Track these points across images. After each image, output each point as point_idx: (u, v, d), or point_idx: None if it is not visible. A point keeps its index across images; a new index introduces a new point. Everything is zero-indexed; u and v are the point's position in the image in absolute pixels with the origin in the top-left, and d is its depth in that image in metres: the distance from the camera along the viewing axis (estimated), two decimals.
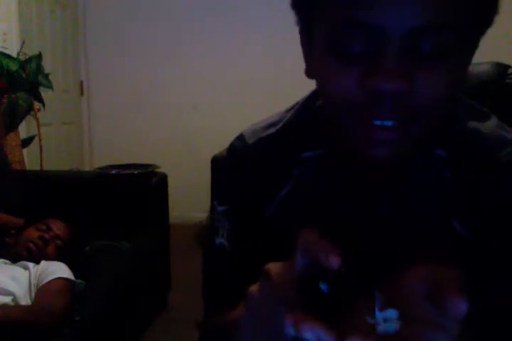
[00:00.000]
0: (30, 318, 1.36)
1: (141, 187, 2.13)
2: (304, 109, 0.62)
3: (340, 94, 0.46)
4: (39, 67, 2.56)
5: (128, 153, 3.48)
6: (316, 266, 0.33)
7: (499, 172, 0.53)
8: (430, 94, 0.44)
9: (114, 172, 2.20)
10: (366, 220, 0.56)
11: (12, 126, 2.48)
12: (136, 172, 2.19)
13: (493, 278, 0.51)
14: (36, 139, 2.74)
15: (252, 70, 3.69)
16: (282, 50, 3.39)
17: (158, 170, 2.24)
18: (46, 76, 2.62)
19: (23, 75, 2.49)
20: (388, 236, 0.55)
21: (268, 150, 0.62)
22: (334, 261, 0.32)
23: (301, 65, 0.56)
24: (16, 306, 1.43)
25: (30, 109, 2.54)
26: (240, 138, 0.65)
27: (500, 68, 0.91)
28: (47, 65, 2.80)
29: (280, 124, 0.63)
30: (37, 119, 2.68)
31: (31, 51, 2.73)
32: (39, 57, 2.58)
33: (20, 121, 2.53)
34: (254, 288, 0.37)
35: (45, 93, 2.71)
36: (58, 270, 1.56)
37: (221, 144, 0.98)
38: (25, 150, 2.71)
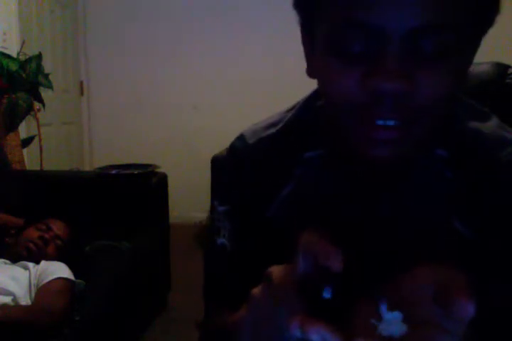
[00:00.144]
0: (30, 318, 1.36)
1: (141, 187, 2.13)
2: (305, 109, 0.62)
3: (341, 94, 0.46)
4: (39, 67, 2.56)
5: (128, 153, 3.48)
6: (317, 269, 0.33)
7: (499, 173, 0.53)
8: (430, 94, 0.44)
9: (114, 172, 2.20)
10: (367, 220, 0.56)
11: (12, 126, 2.48)
12: (136, 172, 2.19)
13: (494, 278, 0.51)
14: (36, 139, 2.74)
15: (252, 70, 3.69)
16: (282, 50, 3.39)
17: (158, 170, 2.24)
18: (46, 76, 2.62)
19: (23, 75, 2.49)
20: (389, 236, 0.55)
21: (269, 150, 0.62)
22: (337, 266, 0.32)
23: (302, 65, 0.56)
24: (16, 306, 1.43)
25: (30, 109, 2.54)
26: (241, 138, 0.65)
27: (500, 68, 0.91)
28: (47, 65, 2.80)
29: (281, 124, 0.63)
30: (37, 119, 2.68)
31: (31, 51, 2.73)
32: (39, 57, 2.58)
33: (20, 121, 2.53)
34: (256, 290, 0.37)
35: (45, 93, 2.71)
36: (58, 270, 1.56)
37: (221, 144, 0.98)
38: (25, 150, 2.71)
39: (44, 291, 1.48)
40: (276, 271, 0.36)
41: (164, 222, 2.30)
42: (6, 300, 1.42)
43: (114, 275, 1.76)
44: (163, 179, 2.24)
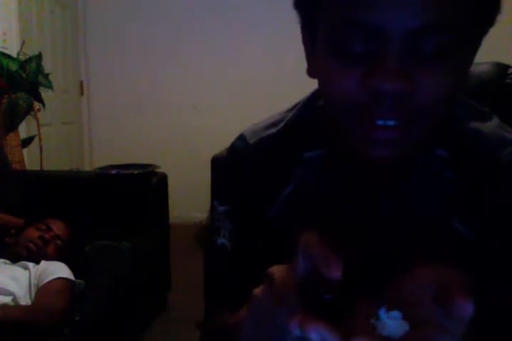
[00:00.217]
0: (30, 318, 1.36)
1: (141, 187, 2.13)
2: (306, 109, 0.62)
3: (341, 94, 0.46)
4: (39, 67, 2.56)
5: (128, 153, 3.48)
6: (317, 271, 0.33)
7: (500, 173, 0.53)
8: (430, 94, 0.44)
9: (114, 172, 2.20)
10: (367, 220, 0.56)
11: (12, 126, 2.48)
12: (136, 172, 2.19)
13: (494, 278, 0.51)
14: (36, 139, 2.74)
15: (252, 70, 3.69)
16: (282, 50, 3.39)
17: (158, 170, 2.24)
18: (46, 76, 2.62)
19: (23, 75, 2.49)
20: (389, 236, 0.55)
21: (269, 150, 0.62)
22: (336, 275, 0.32)
23: (302, 65, 0.56)
24: (16, 306, 1.43)
25: (30, 109, 2.54)
26: (241, 138, 0.65)
27: (500, 68, 0.91)
28: (47, 65, 2.80)
29: (281, 124, 0.63)
30: (37, 119, 2.68)
31: (31, 51, 2.73)
32: (39, 57, 2.58)
33: (20, 121, 2.53)
34: (257, 291, 0.37)
35: (45, 93, 2.71)
36: (58, 270, 1.56)
37: (221, 144, 0.98)
38: (25, 150, 2.71)
39: (44, 291, 1.48)
40: (277, 271, 0.36)
41: (164, 222, 2.30)
42: (6, 300, 1.42)
43: (114, 275, 1.76)
44: (163, 179, 2.24)
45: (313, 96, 0.62)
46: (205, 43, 3.75)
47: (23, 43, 2.69)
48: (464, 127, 0.56)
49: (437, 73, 0.44)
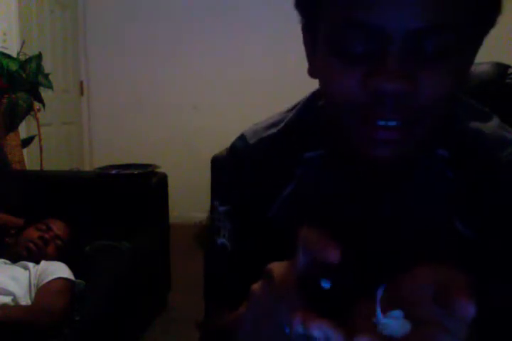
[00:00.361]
0: (30, 318, 1.36)
1: (141, 187, 2.13)
2: (306, 109, 0.62)
3: (342, 94, 0.46)
4: (39, 67, 2.56)
5: (128, 153, 3.48)
6: (317, 264, 0.33)
7: (500, 173, 0.53)
8: (431, 94, 0.44)
9: (114, 172, 2.20)
10: (368, 220, 0.56)
11: (12, 126, 2.48)
12: (136, 172, 2.19)
13: (494, 278, 0.51)
14: (36, 139, 2.74)
15: (252, 70, 3.69)
16: (282, 50, 3.39)
17: (158, 170, 2.24)
18: (46, 76, 2.62)
19: (23, 75, 2.49)
20: (390, 236, 0.55)
21: (269, 150, 0.62)
22: (333, 255, 0.32)
23: (302, 65, 0.56)
24: (16, 306, 1.43)
25: (30, 109, 2.54)
26: (241, 138, 0.65)
27: (500, 68, 0.91)
28: (47, 65, 2.79)
29: (282, 124, 0.63)
30: (37, 119, 2.68)
31: (31, 51, 2.73)
32: (39, 57, 2.58)
33: (20, 121, 2.53)
34: (256, 287, 0.37)
35: (45, 93, 2.71)
36: (58, 270, 1.56)
37: (221, 144, 0.98)
38: (25, 150, 2.71)
39: (44, 291, 1.48)
40: (276, 267, 0.36)
41: (164, 222, 2.30)
42: (6, 300, 1.42)
43: (114, 275, 1.76)
44: (163, 179, 2.24)
45: (314, 96, 0.62)
46: (205, 43, 3.75)
47: (23, 43, 2.69)
48: (464, 127, 0.56)
49: (438, 73, 0.44)
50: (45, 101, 2.66)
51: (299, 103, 0.64)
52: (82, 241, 1.89)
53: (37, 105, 2.64)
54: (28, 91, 2.51)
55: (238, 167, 0.64)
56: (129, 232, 2.00)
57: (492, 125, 0.56)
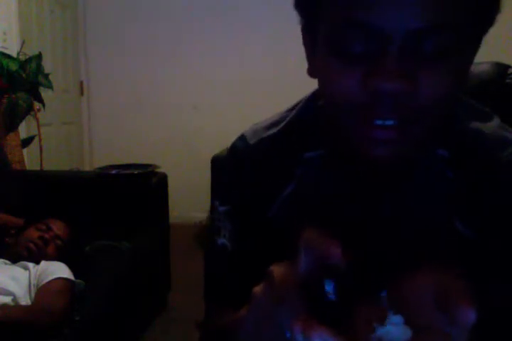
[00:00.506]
0: (30, 318, 1.36)
1: (141, 187, 2.13)
2: (306, 109, 0.62)
3: (342, 94, 0.46)
4: (39, 67, 2.56)
5: (128, 153, 3.48)
6: (319, 265, 0.33)
7: (500, 173, 0.53)
8: (431, 94, 0.44)
9: (114, 172, 2.20)
10: (368, 220, 0.56)
11: (12, 126, 2.48)
12: (136, 172, 2.19)
13: (494, 278, 0.51)
14: (36, 139, 2.74)
15: (252, 70, 3.69)
16: (282, 50, 3.39)
17: (158, 170, 2.24)
18: (46, 76, 2.62)
19: (23, 75, 2.49)
20: (390, 236, 0.55)
21: (270, 150, 0.62)
22: (335, 253, 0.32)
23: (302, 65, 0.56)
24: (16, 306, 1.43)
25: (30, 109, 2.54)
26: (242, 138, 0.65)
27: (500, 68, 0.91)
28: (47, 65, 2.79)
29: (282, 124, 0.63)
30: (37, 119, 2.68)
31: (31, 51, 2.73)
32: (39, 57, 2.58)
33: (20, 121, 2.53)
34: (257, 289, 0.37)
35: (45, 93, 2.71)
36: (58, 270, 1.56)
37: (221, 144, 0.98)
38: (25, 150, 2.71)
39: (44, 291, 1.48)
40: (277, 269, 0.36)
41: (164, 222, 2.30)
42: (6, 300, 1.42)
43: (114, 275, 1.76)
44: (163, 179, 2.24)
45: (313, 96, 0.62)
46: (205, 43, 3.75)
47: (23, 43, 2.69)
48: (464, 127, 0.56)
49: (437, 73, 0.44)
50: (45, 101, 2.66)
51: (298, 103, 0.64)
52: (82, 241, 1.89)
53: (37, 105, 2.64)
54: (28, 91, 2.51)
55: (238, 167, 0.64)
56: (129, 232, 2.00)
57: (492, 125, 0.56)
